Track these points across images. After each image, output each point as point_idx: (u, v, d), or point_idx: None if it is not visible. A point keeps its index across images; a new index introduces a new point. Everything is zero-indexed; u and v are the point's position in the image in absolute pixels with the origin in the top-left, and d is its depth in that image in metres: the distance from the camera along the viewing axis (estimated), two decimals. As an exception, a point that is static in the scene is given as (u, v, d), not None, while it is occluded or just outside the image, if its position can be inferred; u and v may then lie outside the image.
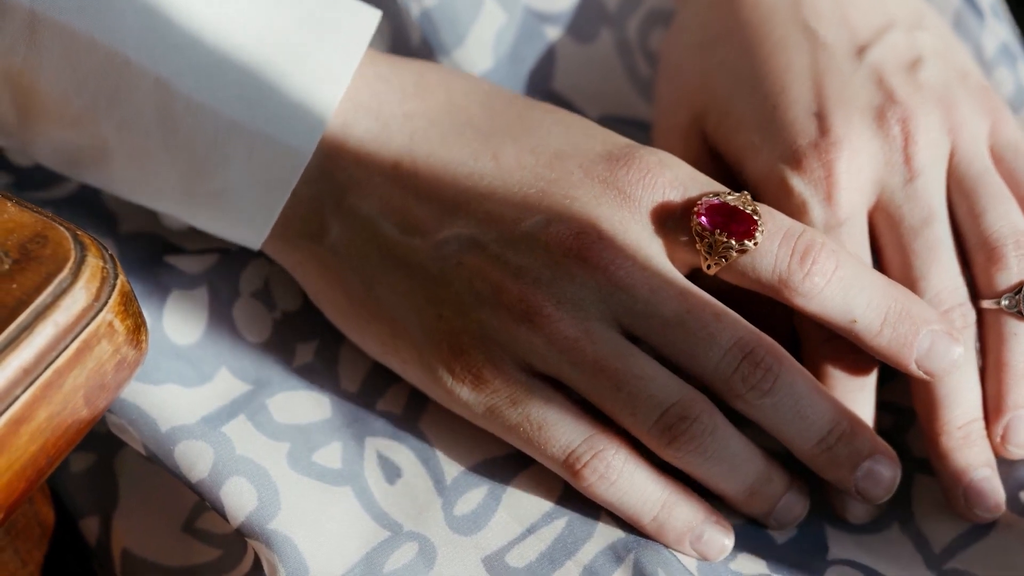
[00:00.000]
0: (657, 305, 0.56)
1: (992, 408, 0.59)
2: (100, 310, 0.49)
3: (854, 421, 0.57)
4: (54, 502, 0.61)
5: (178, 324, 0.61)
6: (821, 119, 0.60)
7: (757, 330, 0.56)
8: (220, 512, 0.57)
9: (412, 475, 0.59)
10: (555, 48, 0.67)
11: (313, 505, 0.58)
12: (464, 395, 0.57)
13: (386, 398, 0.61)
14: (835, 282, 0.56)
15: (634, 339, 0.57)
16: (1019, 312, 0.58)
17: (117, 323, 0.49)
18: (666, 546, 0.57)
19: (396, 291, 0.58)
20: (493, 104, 0.60)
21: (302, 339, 0.62)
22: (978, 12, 0.68)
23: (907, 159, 0.59)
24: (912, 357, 0.57)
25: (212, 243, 0.63)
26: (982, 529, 0.59)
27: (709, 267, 0.57)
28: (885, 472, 0.58)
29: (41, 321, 0.47)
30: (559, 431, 0.57)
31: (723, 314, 0.56)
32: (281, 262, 0.61)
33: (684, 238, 0.57)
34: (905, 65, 0.61)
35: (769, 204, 0.59)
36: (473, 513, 0.58)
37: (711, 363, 0.56)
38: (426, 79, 0.60)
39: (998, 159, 0.61)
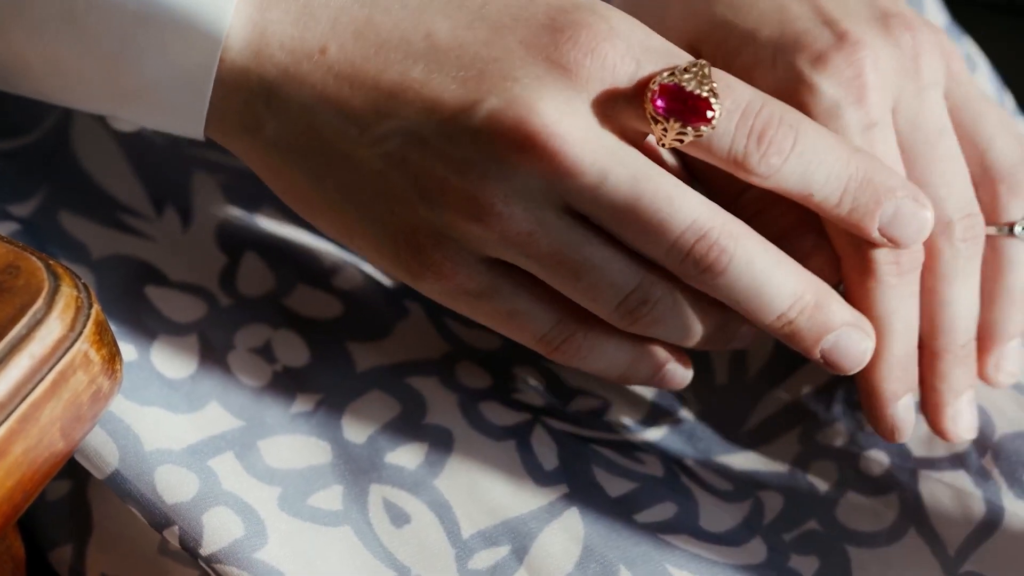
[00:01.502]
0: (608, 191, 0.54)
1: (989, 335, 0.60)
2: (75, 340, 0.48)
3: (821, 293, 0.56)
4: (23, 535, 0.60)
5: (167, 360, 0.60)
6: (833, 26, 0.58)
7: (714, 208, 0.55)
8: (193, 536, 0.56)
9: (423, 524, 0.58)
10: None
11: (305, 545, 0.57)
12: (428, 287, 0.56)
13: (397, 453, 0.60)
14: (792, 159, 0.55)
15: (591, 224, 0.55)
16: None
17: (92, 353, 0.48)
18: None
19: (342, 185, 0.56)
20: None
21: (304, 390, 0.61)
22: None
23: (917, 69, 0.59)
24: (874, 225, 0.56)
25: (194, 272, 0.63)
26: (991, 525, 0.58)
27: (663, 144, 0.55)
28: (853, 345, 0.57)
29: (16, 353, 0.46)
30: (528, 319, 0.56)
31: (676, 196, 0.54)
32: (229, 150, 0.58)
33: (637, 118, 0.55)
34: None
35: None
36: (490, 570, 0.57)
37: (664, 247, 0.54)
38: None
39: None
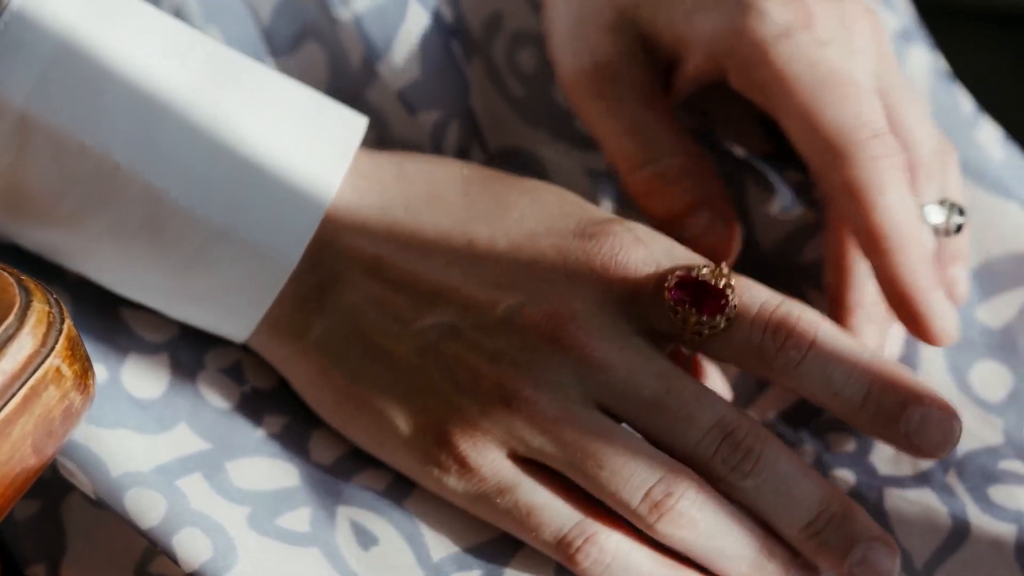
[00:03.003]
0: (635, 386, 0.56)
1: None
2: (47, 356, 0.48)
3: (846, 504, 0.56)
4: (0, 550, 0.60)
5: (138, 380, 0.60)
6: None
7: (739, 410, 0.56)
8: (172, 559, 0.56)
9: (391, 547, 0.58)
10: (463, 70, 0.67)
11: (274, 565, 0.57)
12: (451, 484, 0.57)
13: (364, 475, 0.60)
14: (811, 356, 0.56)
15: (617, 418, 0.56)
16: None
17: (64, 368, 0.48)
18: None
19: (379, 383, 0.58)
20: (470, 189, 0.60)
21: (271, 412, 0.61)
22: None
23: (851, 33, 0.60)
24: (901, 432, 0.56)
25: None
26: (957, 539, 0.59)
27: (686, 343, 0.57)
28: (882, 560, 0.56)
29: (-12, 369, 0.47)
30: (549, 517, 0.56)
31: (703, 394, 0.56)
32: (266, 357, 0.60)
33: (659, 315, 0.57)
34: None
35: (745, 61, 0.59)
36: None
37: (690, 444, 0.55)
38: (406, 170, 0.60)
39: None
